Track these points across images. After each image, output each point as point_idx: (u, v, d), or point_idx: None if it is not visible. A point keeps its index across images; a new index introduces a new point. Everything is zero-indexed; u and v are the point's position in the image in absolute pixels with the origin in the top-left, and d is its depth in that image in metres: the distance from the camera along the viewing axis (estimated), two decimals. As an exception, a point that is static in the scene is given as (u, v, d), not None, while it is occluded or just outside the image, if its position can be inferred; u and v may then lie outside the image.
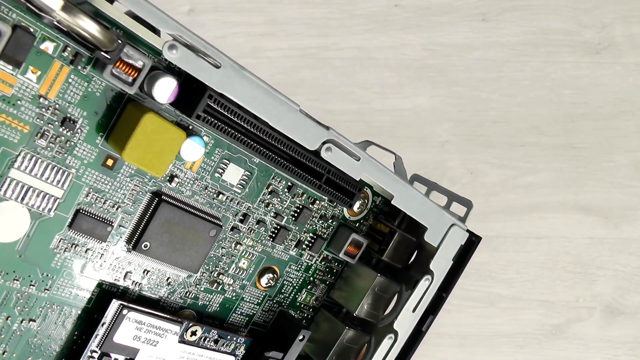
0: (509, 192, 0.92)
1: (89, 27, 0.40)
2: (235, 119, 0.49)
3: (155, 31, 0.46)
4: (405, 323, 0.62)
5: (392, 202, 0.57)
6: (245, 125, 0.50)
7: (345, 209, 0.62)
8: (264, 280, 0.60)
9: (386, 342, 0.62)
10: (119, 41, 0.42)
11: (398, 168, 0.60)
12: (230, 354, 0.60)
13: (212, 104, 0.48)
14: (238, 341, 0.60)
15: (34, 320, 0.50)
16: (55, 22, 0.39)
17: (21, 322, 0.50)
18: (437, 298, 0.63)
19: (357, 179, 0.54)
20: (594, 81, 0.96)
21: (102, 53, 0.42)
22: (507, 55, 0.93)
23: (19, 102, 0.44)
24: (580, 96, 0.96)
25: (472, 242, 0.63)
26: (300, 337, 0.60)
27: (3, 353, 0.50)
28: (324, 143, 0.51)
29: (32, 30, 0.42)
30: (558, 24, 0.94)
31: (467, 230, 0.62)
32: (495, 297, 0.91)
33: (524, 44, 0.94)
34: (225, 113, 0.48)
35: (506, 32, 0.92)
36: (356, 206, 0.62)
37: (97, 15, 0.43)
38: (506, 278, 0.91)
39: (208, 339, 0.58)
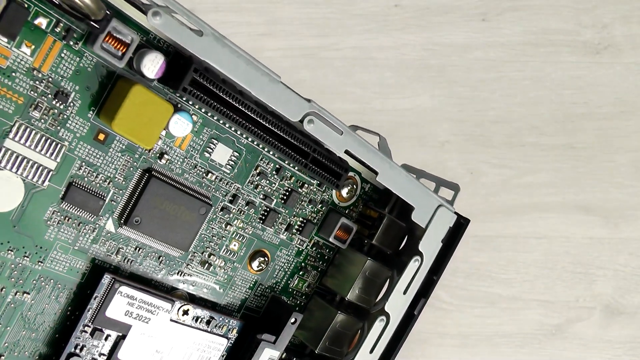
0: (509, 192, 0.95)
1: (78, -4, 0.44)
2: (220, 94, 0.53)
3: (144, 12, 0.51)
4: (396, 305, 0.65)
5: (377, 179, 0.61)
6: (231, 101, 0.54)
7: (334, 194, 0.66)
8: (255, 264, 0.64)
9: (378, 325, 0.65)
10: (107, 11, 0.46)
11: (383, 147, 0.64)
12: (223, 336, 0.63)
13: (198, 78, 0.52)
14: (230, 324, 0.63)
15: (28, 293, 0.54)
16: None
17: (15, 294, 0.54)
18: (428, 281, 0.66)
19: (342, 152, 0.58)
20: (594, 81, 0.99)
21: (92, 23, 0.47)
22: (507, 55, 0.96)
23: (13, 74, 0.48)
24: (580, 96, 0.99)
25: (461, 224, 0.66)
26: (292, 320, 0.64)
27: (-2, 325, 0.54)
28: (305, 115, 0.56)
29: (26, 5, 0.47)
30: (558, 24, 0.97)
31: (455, 213, 0.66)
32: (495, 297, 0.94)
33: (524, 44, 0.97)
34: (211, 87, 0.53)
35: (506, 32, 0.96)
36: (345, 192, 0.66)
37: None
38: (506, 278, 0.94)
39: (200, 319, 0.61)
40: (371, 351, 0.65)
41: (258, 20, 0.80)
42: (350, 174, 0.66)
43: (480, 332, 0.93)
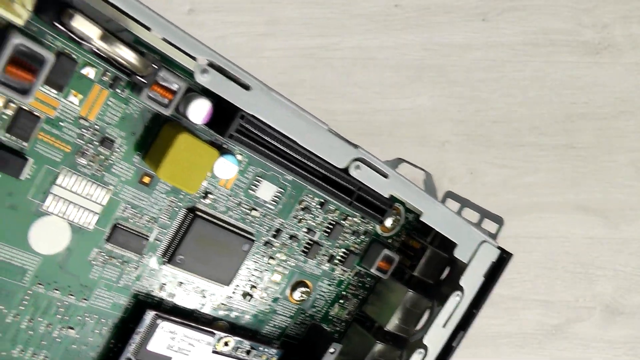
0: (509, 192, 0.94)
1: (125, 54, 0.43)
2: (267, 138, 0.52)
3: (193, 57, 0.49)
4: (435, 338, 0.64)
5: (420, 219, 0.59)
6: (277, 144, 0.53)
7: (377, 225, 0.65)
8: (296, 294, 0.63)
9: (416, 357, 0.64)
10: (154, 66, 0.45)
11: (428, 184, 0.62)
12: (262, 365, 0.63)
13: (245, 124, 0.51)
14: (270, 352, 0.63)
15: (73, 329, 0.54)
16: (95, 49, 0.43)
17: (61, 329, 0.54)
18: (468, 314, 0.65)
19: (386, 196, 0.57)
20: (594, 81, 0.97)
21: (138, 77, 0.45)
22: (507, 55, 0.94)
23: (61, 123, 0.48)
24: (580, 96, 0.97)
25: (504, 258, 0.65)
26: (332, 350, 0.63)
27: (45, 358, 0.54)
28: (352, 161, 0.54)
29: (74, 56, 0.46)
30: (558, 24, 0.95)
31: (498, 247, 0.64)
32: (495, 297, 0.92)
33: (524, 44, 0.95)
34: (257, 132, 0.52)
35: (506, 32, 0.94)
36: (389, 222, 0.65)
37: (136, 42, 0.46)
38: (506, 278, 0.92)
39: (240, 349, 0.61)
40: (409, 383, 0.65)
41: (258, 20, 0.78)
42: (395, 204, 0.64)
43: (481, 332, 0.92)
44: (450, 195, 0.69)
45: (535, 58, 0.95)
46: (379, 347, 0.65)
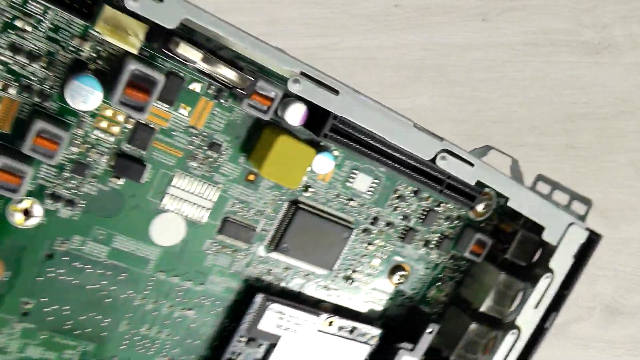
0: None
1: (225, 72, 0.50)
2: (359, 135, 0.57)
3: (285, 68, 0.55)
4: (527, 319, 0.68)
5: (507, 204, 0.63)
6: (368, 140, 0.58)
7: (469, 211, 0.69)
8: (395, 278, 0.69)
9: (509, 338, 0.68)
10: (251, 79, 0.51)
11: (514, 170, 0.66)
12: (365, 343, 0.69)
13: (337, 124, 0.56)
14: (372, 332, 0.68)
15: (191, 310, 0.62)
16: (198, 69, 0.49)
17: (181, 310, 0.62)
18: (559, 295, 0.68)
19: (473, 183, 0.61)
20: (594, 81, 0.95)
21: (239, 90, 0.52)
22: (507, 55, 0.93)
23: (173, 132, 0.55)
24: (580, 96, 0.96)
25: (593, 240, 0.67)
26: (429, 330, 0.68)
27: (168, 335, 0.62)
28: (438, 152, 0.59)
29: (181, 75, 0.53)
30: (558, 24, 0.94)
31: (587, 229, 0.67)
32: None
33: (524, 44, 0.94)
34: (350, 130, 0.57)
35: (506, 32, 0.93)
36: (480, 207, 0.69)
37: (235, 57, 0.53)
38: None
39: (344, 329, 0.67)
40: (503, 362, 0.69)
41: (258, 20, 0.80)
42: (486, 190, 0.68)
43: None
44: (540, 178, 0.72)
45: (535, 58, 0.95)
46: (473, 327, 0.69)
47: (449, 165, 0.59)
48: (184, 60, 0.49)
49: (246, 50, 0.50)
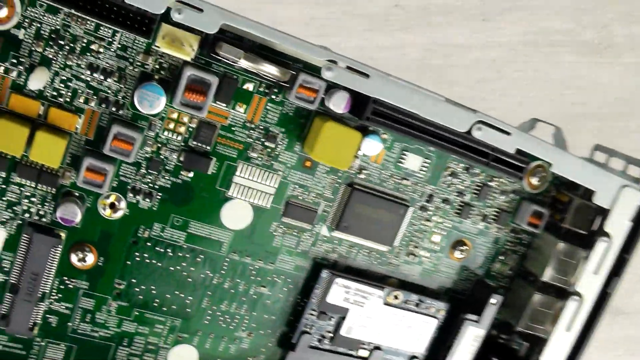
0: None
1: (267, 69, 0.58)
2: (400, 116, 0.64)
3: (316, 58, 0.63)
4: (588, 285, 0.72)
5: (551, 170, 0.68)
6: (410, 120, 0.65)
7: (525, 183, 0.74)
8: (457, 253, 0.74)
9: (572, 305, 0.72)
10: (292, 72, 0.59)
11: (558, 138, 0.70)
12: (432, 316, 0.75)
13: (378, 107, 0.63)
14: (438, 305, 0.75)
15: (265, 287, 0.70)
16: (244, 67, 0.58)
17: (255, 288, 0.70)
18: (620, 260, 0.72)
19: (514, 150, 0.66)
20: (594, 81, 0.95)
21: (283, 84, 0.60)
22: (507, 55, 0.93)
23: (233, 128, 0.63)
24: (580, 96, 0.96)
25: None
26: (493, 300, 0.74)
27: (246, 310, 0.71)
28: (474, 124, 0.64)
29: (235, 77, 0.61)
30: (558, 24, 0.94)
31: (641, 190, 0.70)
32: None
33: (524, 44, 0.94)
34: (391, 112, 0.64)
35: (506, 32, 0.93)
36: (535, 180, 0.73)
37: (276, 54, 0.61)
38: None
39: (410, 302, 0.74)
40: (568, 329, 0.73)
41: (258, 20, 0.85)
42: (540, 162, 0.72)
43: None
44: (598, 147, 0.76)
45: (535, 58, 0.95)
46: (538, 297, 0.74)
47: (485, 135, 0.65)
48: (229, 60, 0.57)
49: (282, 46, 0.57)
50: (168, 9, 0.53)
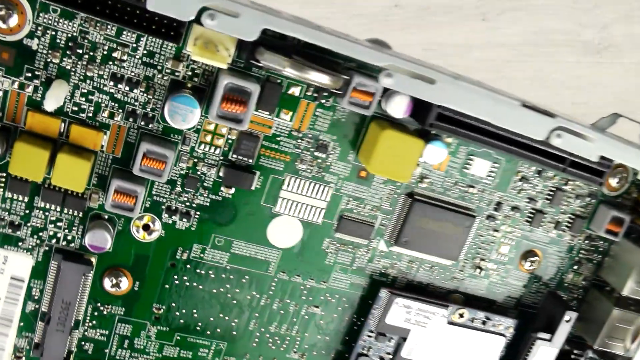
0: None
1: (316, 77, 0.47)
2: (468, 120, 0.54)
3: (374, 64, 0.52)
4: (679, 302, 0.61)
5: (638, 177, 0.57)
6: (479, 124, 0.54)
7: (602, 186, 0.62)
8: (526, 264, 0.64)
9: (659, 322, 0.61)
10: (346, 77, 0.49)
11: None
12: (499, 334, 0.65)
13: (443, 111, 0.53)
14: (507, 322, 0.64)
15: (318, 307, 0.61)
16: (290, 74, 0.48)
17: (307, 308, 0.61)
18: None
19: (596, 158, 0.55)
20: (594, 81, 0.90)
21: (335, 91, 0.49)
22: (507, 55, 0.89)
23: (278, 138, 0.53)
24: (580, 96, 0.91)
25: None
26: (567, 318, 0.63)
27: (297, 332, 0.61)
28: (552, 131, 0.53)
29: (279, 80, 0.51)
30: (558, 24, 0.89)
31: None
32: None
33: (524, 44, 0.90)
34: (457, 116, 0.53)
35: (506, 32, 0.88)
36: (615, 181, 0.62)
37: (323, 51, 0.50)
38: None
39: (476, 320, 0.64)
40: (654, 348, 0.62)
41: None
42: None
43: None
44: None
45: (535, 58, 0.90)
46: (617, 313, 0.63)
47: (565, 143, 0.54)
48: (271, 69, 0.47)
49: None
50: (200, 11, 0.43)
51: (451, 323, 0.63)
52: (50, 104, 0.45)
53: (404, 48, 0.83)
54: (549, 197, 0.62)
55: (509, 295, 0.65)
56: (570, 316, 0.63)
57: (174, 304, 0.57)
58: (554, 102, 0.89)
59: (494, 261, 0.63)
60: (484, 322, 0.64)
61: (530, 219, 0.62)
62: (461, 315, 0.63)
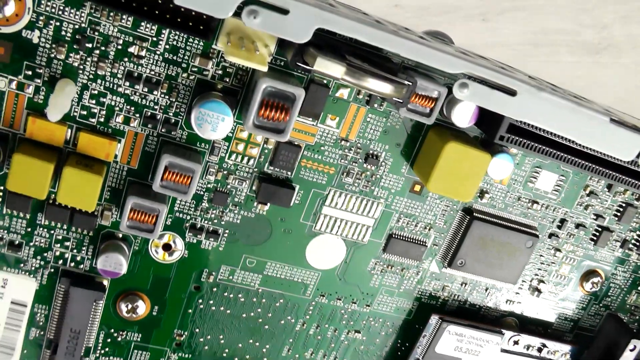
0: None
1: (375, 86, 0.36)
2: (541, 133, 0.42)
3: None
4: None
5: None
6: (553, 138, 0.42)
7: (684, 205, 0.51)
8: (587, 285, 0.53)
9: None
10: (409, 83, 0.37)
11: None
12: None
13: (516, 123, 0.41)
14: (563, 348, 0.53)
15: (359, 332, 0.50)
16: (347, 82, 0.36)
17: (347, 333, 0.50)
18: None
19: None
20: (594, 81, 0.85)
21: (396, 100, 0.38)
22: (507, 55, 0.82)
23: (322, 148, 0.42)
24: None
25: None
26: (631, 347, 0.52)
27: (335, 358, 0.51)
28: (644, 150, 0.41)
29: (326, 81, 0.39)
30: (558, 24, 0.83)
31: None
32: None
33: (524, 44, 0.84)
34: (529, 129, 0.42)
35: (506, 32, 0.83)
36: (698, 201, 0.51)
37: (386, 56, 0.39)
38: None
39: (531, 347, 0.53)
40: None
41: None
42: None
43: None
44: None
45: (535, 58, 0.84)
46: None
47: (659, 165, 0.42)
48: (325, 77, 0.35)
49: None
50: (240, 6, 0.31)
51: (505, 351, 0.52)
52: (53, 115, 0.34)
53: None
54: (618, 214, 0.50)
55: (566, 317, 0.54)
56: (635, 345, 0.52)
57: (197, 330, 0.47)
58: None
59: (553, 283, 0.52)
60: (539, 350, 0.53)
61: (595, 238, 0.51)
62: (516, 343, 0.52)
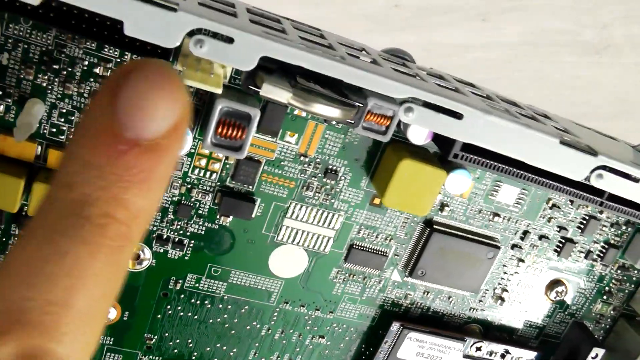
0: None
1: (323, 110, 0.39)
2: (496, 151, 0.45)
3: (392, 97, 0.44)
4: None
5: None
6: (509, 155, 0.46)
7: (644, 218, 0.54)
8: (552, 294, 0.56)
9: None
10: (359, 105, 0.40)
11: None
12: (519, 365, 0.57)
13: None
14: (527, 355, 0.57)
15: (323, 337, 0.54)
16: (294, 107, 0.39)
17: (312, 338, 0.53)
18: None
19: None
20: (594, 81, 0.88)
21: (347, 121, 0.41)
22: (507, 55, 0.85)
23: (282, 163, 0.45)
24: (580, 96, 0.88)
25: None
26: (593, 354, 0.55)
27: (302, 362, 0.54)
28: (593, 170, 0.45)
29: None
30: (558, 24, 0.86)
31: None
32: None
33: (524, 44, 0.86)
34: (485, 147, 0.45)
35: (506, 32, 0.85)
36: (657, 214, 0.54)
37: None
38: None
39: (495, 353, 0.56)
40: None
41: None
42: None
43: None
44: None
45: (535, 58, 0.86)
46: (650, 347, 0.56)
47: (608, 184, 0.45)
48: (273, 101, 0.38)
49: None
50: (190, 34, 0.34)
51: (467, 357, 0.55)
52: (19, 135, 0.38)
53: (404, 48, 0.77)
54: (581, 226, 0.54)
55: (531, 324, 0.57)
56: (597, 353, 0.55)
57: (166, 334, 0.50)
58: (553, 102, 0.87)
59: (517, 292, 0.55)
60: (502, 356, 0.56)
61: (558, 249, 0.54)
62: (478, 349, 0.55)
